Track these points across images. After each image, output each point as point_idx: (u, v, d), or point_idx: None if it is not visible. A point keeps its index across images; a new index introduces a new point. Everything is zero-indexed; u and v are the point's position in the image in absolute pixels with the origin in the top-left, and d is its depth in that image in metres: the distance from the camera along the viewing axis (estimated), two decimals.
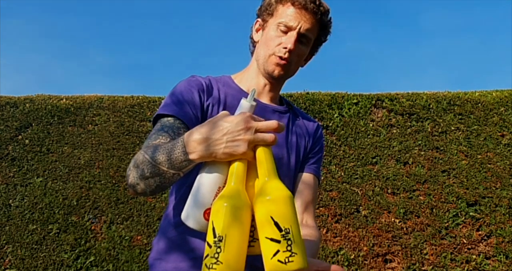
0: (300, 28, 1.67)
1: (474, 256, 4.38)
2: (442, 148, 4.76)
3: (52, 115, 4.75)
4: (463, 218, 4.49)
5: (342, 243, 4.38)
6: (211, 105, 1.66)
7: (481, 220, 4.49)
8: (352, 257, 4.32)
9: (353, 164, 4.67)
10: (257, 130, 1.21)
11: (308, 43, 1.73)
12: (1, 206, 4.37)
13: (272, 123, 1.22)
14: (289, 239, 1.19)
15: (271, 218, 1.19)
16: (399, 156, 4.72)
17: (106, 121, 4.75)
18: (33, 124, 4.70)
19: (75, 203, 4.40)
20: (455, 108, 4.94)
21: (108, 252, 4.24)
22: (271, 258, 1.20)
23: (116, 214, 4.38)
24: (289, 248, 1.19)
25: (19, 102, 4.79)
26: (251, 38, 1.82)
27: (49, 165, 4.54)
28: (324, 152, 2.02)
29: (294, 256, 1.18)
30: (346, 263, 4.28)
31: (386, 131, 4.82)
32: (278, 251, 1.18)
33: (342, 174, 4.63)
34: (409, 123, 4.87)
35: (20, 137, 4.64)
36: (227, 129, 1.23)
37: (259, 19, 1.79)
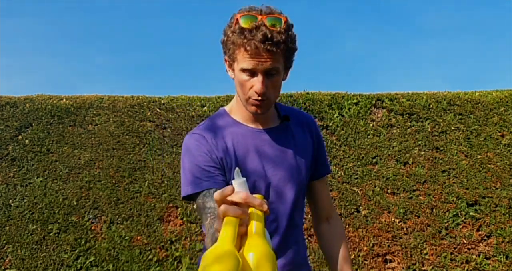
0: (262, 69, 1.67)
1: (474, 256, 4.38)
2: (442, 148, 4.76)
3: (52, 115, 4.74)
4: (463, 218, 4.50)
5: None
6: (224, 158, 1.75)
7: (481, 220, 4.50)
8: (352, 257, 4.32)
9: (353, 164, 4.67)
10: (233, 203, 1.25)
11: (278, 72, 1.72)
12: (1, 206, 4.36)
13: (239, 198, 1.23)
14: None
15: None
16: (399, 156, 4.72)
17: (106, 121, 4.74)
18: (33, 124, 4.70)
19: (75, 203, 4.40)
20: (455, 108, 4.93)
21: (108, 252, 4.24)
22: None
23: (116, 214, 4.38)
24: None
25: (19, 102, 4.78)
26: (226, 71, 1.82)
27: (49, 165, 4.54)
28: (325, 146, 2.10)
29: None
30: None
31: (386, 131, 4.82)
32: None
33: (342, 174, 4.63)
34: (409, 123, 4.87)
35: (20, 137, 4.64)
36: (220, 208, 1.27)
37: (226, 58, 1.78)
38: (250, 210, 1.29)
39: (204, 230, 1.70)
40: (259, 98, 1.72)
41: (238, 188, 1.33)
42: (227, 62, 1.79)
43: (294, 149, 1.89)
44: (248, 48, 1.64)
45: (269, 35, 1.62)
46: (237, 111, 1.88)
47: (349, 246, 4.35)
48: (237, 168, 1.38)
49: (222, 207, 1.23)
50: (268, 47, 1.62)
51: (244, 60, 1.68)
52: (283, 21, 1.67)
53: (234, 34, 1.67)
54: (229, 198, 1.23)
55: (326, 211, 2.04)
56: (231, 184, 1.32)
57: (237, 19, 1.67)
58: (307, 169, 1.94)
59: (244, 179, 1.37)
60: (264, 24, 1.63)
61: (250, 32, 1.63)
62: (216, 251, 1.15)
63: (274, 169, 1.84)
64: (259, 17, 1.65)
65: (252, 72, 1.69)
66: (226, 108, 1.92)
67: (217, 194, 1.25)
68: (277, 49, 1.65)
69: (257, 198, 1.30)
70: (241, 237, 1.27)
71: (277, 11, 1.72)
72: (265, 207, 1.26)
